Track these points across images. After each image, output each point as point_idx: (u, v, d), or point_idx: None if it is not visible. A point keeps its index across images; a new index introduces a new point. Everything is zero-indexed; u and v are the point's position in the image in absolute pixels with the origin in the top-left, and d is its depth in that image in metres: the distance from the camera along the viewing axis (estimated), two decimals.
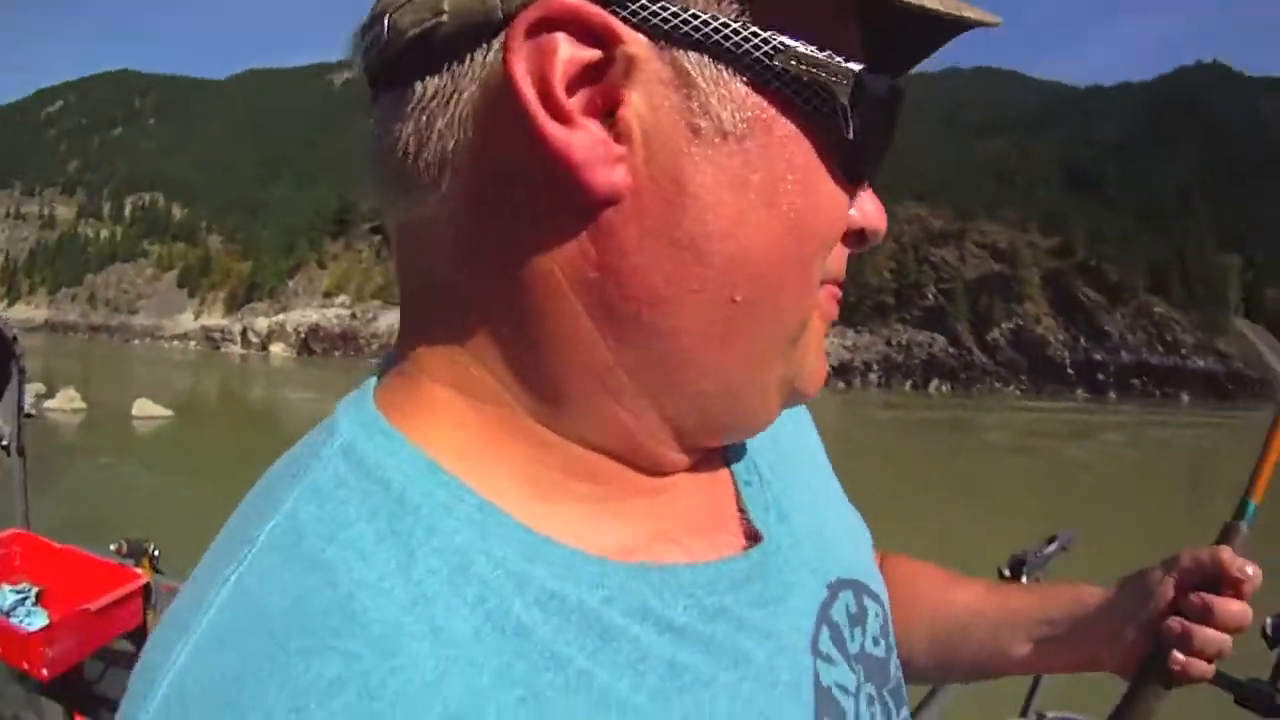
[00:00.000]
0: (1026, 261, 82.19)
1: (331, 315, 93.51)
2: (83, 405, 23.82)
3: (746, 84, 0.33)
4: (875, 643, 0.47)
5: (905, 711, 0.49)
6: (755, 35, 0.32)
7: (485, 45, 0.33)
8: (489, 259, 0.35)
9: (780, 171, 0.34)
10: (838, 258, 0.40)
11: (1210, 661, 0.65)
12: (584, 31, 0.32)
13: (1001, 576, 1.11)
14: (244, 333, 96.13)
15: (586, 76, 0.32)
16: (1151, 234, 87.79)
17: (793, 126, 0.34)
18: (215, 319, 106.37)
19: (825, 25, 0.34)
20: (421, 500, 0.33)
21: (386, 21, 0.34)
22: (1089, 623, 0.68)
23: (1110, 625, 0.67)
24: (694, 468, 0.41)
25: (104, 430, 20.25)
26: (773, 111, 0.34)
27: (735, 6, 0.33)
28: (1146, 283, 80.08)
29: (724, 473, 0.46)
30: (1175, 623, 0.64)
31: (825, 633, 0.43)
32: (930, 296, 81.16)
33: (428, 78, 0.34)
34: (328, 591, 0.30)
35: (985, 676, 0.72)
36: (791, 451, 0.52)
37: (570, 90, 0.32)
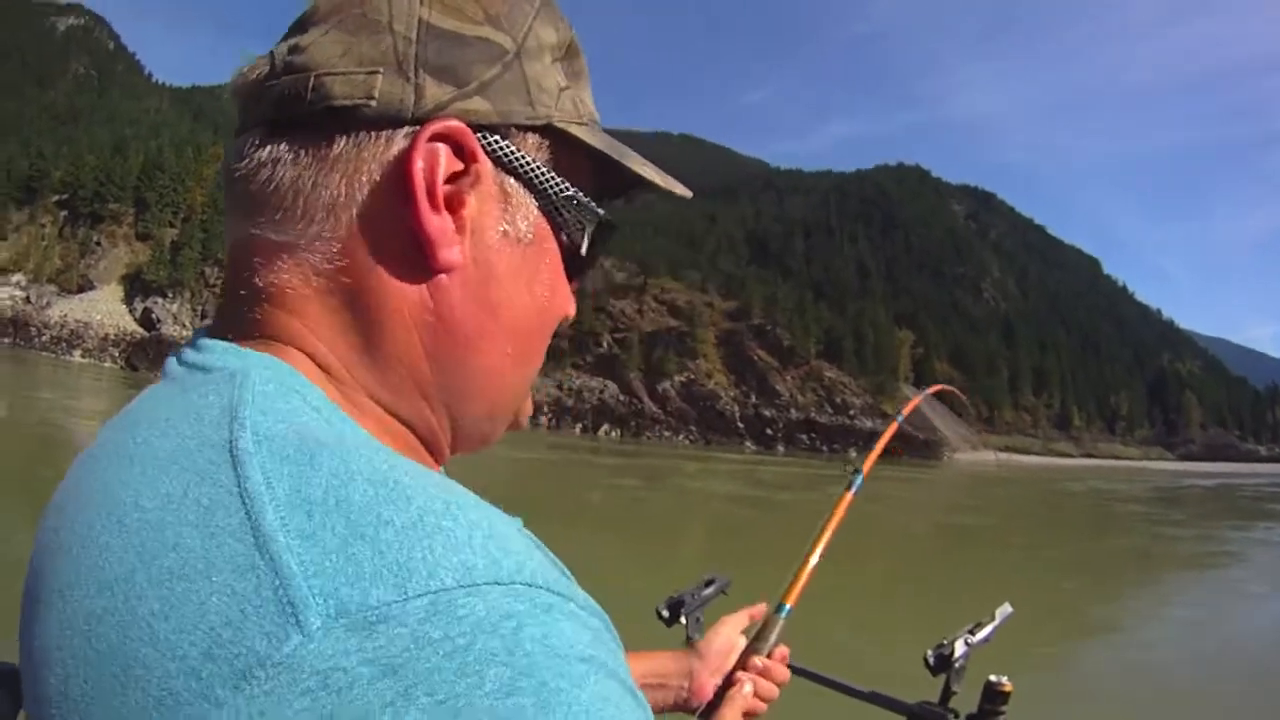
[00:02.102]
0: (704, 321, 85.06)
1: (4, 295, 76.00)
2: None
3: (539, 208, 0.52)
4: None
5: None
6: (553, 178, 0.52)
7: (392, 133, 0.47)
8: (353, 288, 0.48)
9: (543, 270, 0.53)
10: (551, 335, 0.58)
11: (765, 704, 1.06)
12: (459, 148, 0.48)
13: (660, 617, 1.18)
14: None
15: (452, 180, 0.48)
16: (829, 306, 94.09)
17: (554, 244, 0.54)
18: None
19: (594, 182, 0.55)
20: (332, 415, 0.45)
21: (312, 82, 0.47)
22: (670, 677, 1.08)
23: (693, 678, 1.08)
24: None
25: None
26: (548, 231, 0.53)
27: (545, 155, 0.52)
28: (819, 349, 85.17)
29: None
30: (743, 675, 1.07)
31: None
32: (605, 345, 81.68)
33: (338, 139, 0.47)
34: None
35: None
36: None
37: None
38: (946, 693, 1.13)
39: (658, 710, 1.01)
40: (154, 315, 76.98)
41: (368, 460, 0.39)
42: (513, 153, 0.50)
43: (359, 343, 0.48)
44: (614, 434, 73.46)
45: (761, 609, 1.16)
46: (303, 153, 0.47)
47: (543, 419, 73.15)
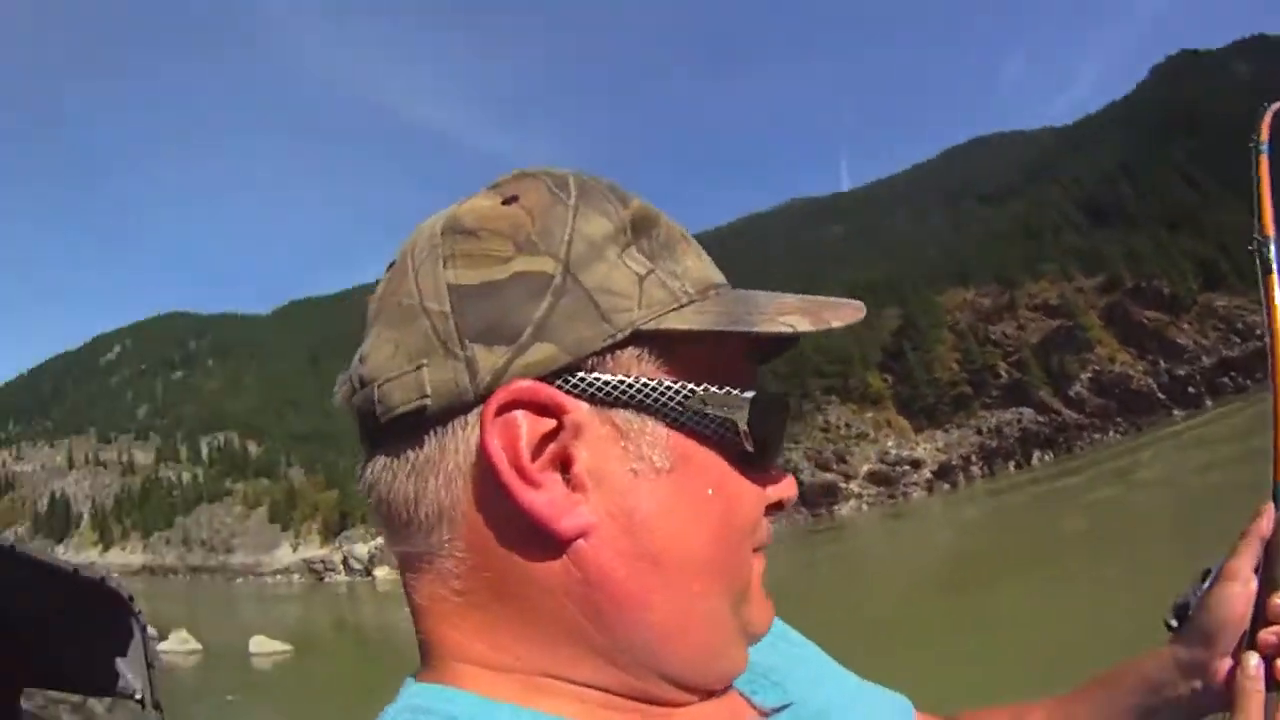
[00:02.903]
0: (1081, 307, 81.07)
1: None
2: (198, 646, 24.39)
3: (667, 427, 0.46)
4: None
5: None
6: (669, 389, 0.45)
7: (464, 419, 0.45)
8: (494, 583, 0.46)
9: (703, 489, 0.47)
10: (764, 530, 0.52)
11: None
12: (539, 407, 0.44)
13: (1169, 628, 0.94)
14: (345, 560, 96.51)
15: (546, 441, 0.44)
16: (1188, 234, 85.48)
17: (708, 452, 0.47)
18: (314, 550, 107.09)
19: (724, 363, 0.48)
20: (488, 715, 0.43)
21: (376, 394, 0.46)
22: (1171, 681, 0.70)
23: (1190, 673, 0.69)
24: (706, 701, 0.52)
25: (223, 669, 20.58)
26: (691, 444, 0.47)
27: (653, 366, 0.46)
28: (1199, 283, 77.59)
29: (733, 693, 0.56)
30: (1269, 633, 0.65)
31: None
32: (1004, 374, 79.67)
33: (419, 445, 0.45)
34: None
35: None
36: (809, 674, 0.65)
37: (534, 455, 0.44)
38: None
39: None
40: None
41: None
42: (605, 384, 0.45)
43: (521, 632, 0.46)
44: (1045, 457, 71.47)
45: (1266, 517, 0.69)
46: (395, 466, 0.46)
47: (974, 470, 71.53)
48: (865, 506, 74.85)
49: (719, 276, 0.52)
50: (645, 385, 0.45)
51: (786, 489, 0.54)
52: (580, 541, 0.45)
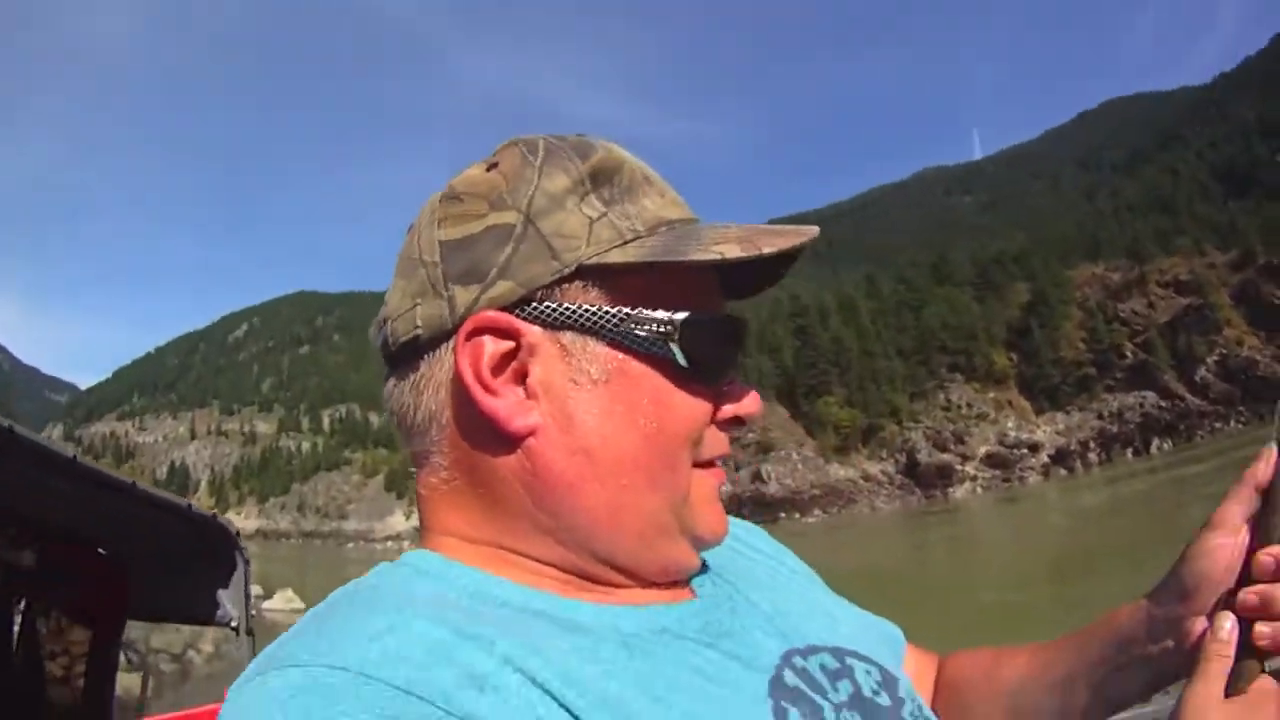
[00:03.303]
0: (1213, 284, 75.50)
1: None
2: (301, 605, 25.41)
3: (606, 345, 0.55)
4: (876, 693, 0.60)
5: None
6: (607, 313, 0.55)
7: (447, 345, 0.56)
8: (468, 472, 0.57)
9: (639, 399, 0.56)
10: (713, 441, 0.59)
11: None
12: (500, 331, 0.55)
13: None
14: None
15: (507, 359, 0.55)
16: None
17: (644, 367, 0.56)
18: None
19: (667, 290, 0.56)
20: (448, 573, 0.55)
21: (388, 328, 0.59)
22: (1141, 638, 0.65)
23: (1163, 631, 0.63)
24: (649, 589, 0.59)
25: None
26: (628, 360, 0.56)
27: (596, 295, 0.55)
28: None
29: (684, 590, 0.62)
30: (1250, 593, 0.59)
31: (791, 675, 0.57)
32: (1129, 354, 75.56)
33: (415, 367, 0.58)
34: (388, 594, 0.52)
35: None
36: (765, 574, 0.71)
37: (496, 371, 0.55)
38: None
39: (1141, 693, 0.67)
40: None
41: (368, 588, 0.53)
42: (553, 310, 0.55)
43: (487, 513, 0.57)
44: (1164, 445, 67.94)
45: (1264, 461, 0.62)
46: (402, 384, 0.59)
47: (1091, 456, 68.39)
48: (980, 489, 72.82)
49: (677, 214, 0.60)
50: (586, 310, 0.55)
51: (744, 406, 0.60)
52: (530, 439, 0.55)
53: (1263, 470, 0.62)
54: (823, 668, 0.60)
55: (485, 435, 0.56)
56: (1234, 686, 0.57)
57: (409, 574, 0.56)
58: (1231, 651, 0.58)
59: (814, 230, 0.59)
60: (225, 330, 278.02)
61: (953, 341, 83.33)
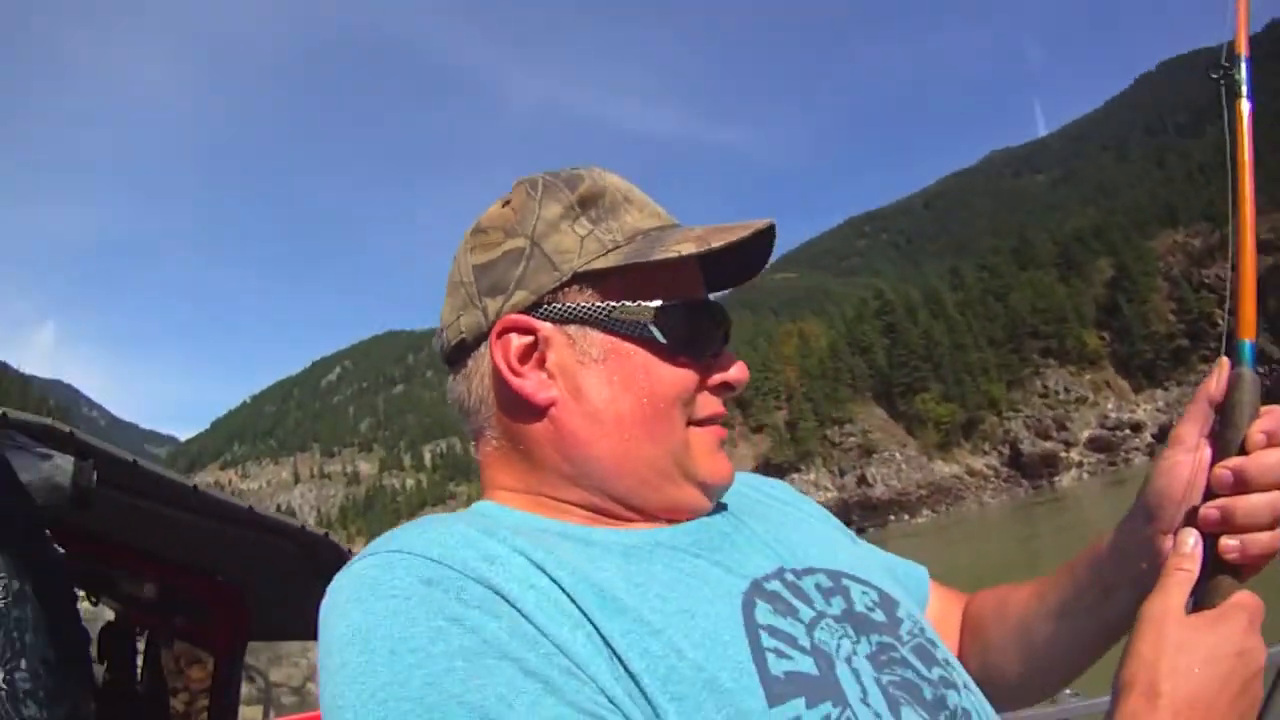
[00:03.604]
0: None
1: None
2: None
3: (601, 332, 0.71)
4: (871, 610, 0.71)
5: (935, 669, 0.69)
6: (597, 307, 0.70)
7: (485, 344, 0.73)
8: (510, 438, 0.74)
9: (634, 370, 0.71)
10: (706, 403, 0.74)
11: (1271, 529, 0.59)
12: (521, 329, 0.71)
13: None
14: None
15: (529, 349, 0.71)
16: None
17: (633, 346, 0.71)
18: None
19: (646, 284, 0.72)
20: (497, 513, 0.72)
21: (444, 336, 0.77)
22: (1120, 561, 0.72)
23: (1136, 552, 0.69)
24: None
25: None
26: (619, 341, 0.71)
27: (590, 294, 0.71)
28: None
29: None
30: (1210, 508, 0.60)
31: (777, 585, 0.68)
32: (1220, 321, 74.20)
33: (466, 363, 0.75)
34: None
35: (1078, 666, 0.81)
36: (776, 514, 0.84)
37: (522, 359, 0.71)
38: None
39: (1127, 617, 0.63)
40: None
41: (435, 521, 0.65)
42: (558, 309, 0.71)
43: (527, 468, 0.73)
44: None
45: (1216, 376, 0.66)
46: (457, 379, 0.77)
47: None
48: (1085, 475, 72.88)
49: (652, 223, 0.75)
50: (583, 307, 0.71)
51: (730, 374, 0.76)
52: (553, 409, 0.71)
53: (1215, 385, 0.65)
54: (817, 586, 0.71)
55: (519, 409, 0.72)
56: (1208, 601, 0.58)
57: (472, 512, 0.72)
58: (1194, 566, 0.59)
59: (764, 222, 0.72)
60: (318, 375, 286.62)
61: (1043, 325, 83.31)
